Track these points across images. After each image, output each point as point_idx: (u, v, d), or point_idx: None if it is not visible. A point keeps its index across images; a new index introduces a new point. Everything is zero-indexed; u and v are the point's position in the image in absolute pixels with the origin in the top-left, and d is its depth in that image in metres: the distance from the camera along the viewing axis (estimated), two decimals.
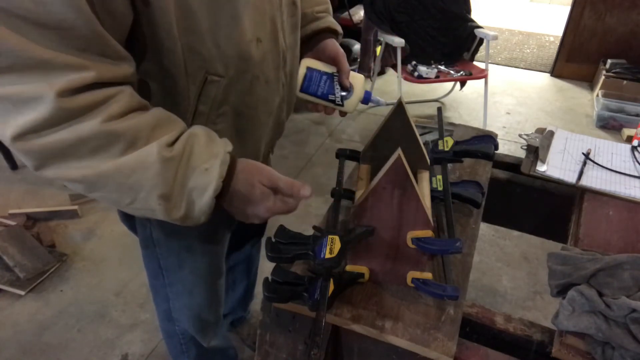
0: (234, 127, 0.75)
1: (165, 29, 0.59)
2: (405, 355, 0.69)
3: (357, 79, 0.91)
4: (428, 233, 0.70)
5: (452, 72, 2.90)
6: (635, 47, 3.57)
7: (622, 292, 0.71)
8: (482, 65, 2.94)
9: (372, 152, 0.87)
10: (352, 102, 0.90)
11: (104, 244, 2.03)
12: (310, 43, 0.91)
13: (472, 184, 0.94)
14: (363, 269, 0.75)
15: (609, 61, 3.48)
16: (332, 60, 0.89)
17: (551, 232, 1.22)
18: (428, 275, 0.74)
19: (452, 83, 3.44)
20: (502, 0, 6.49)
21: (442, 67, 2.93)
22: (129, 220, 0.91)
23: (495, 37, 2.80)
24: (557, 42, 4.01)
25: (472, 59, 3.08)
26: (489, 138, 0.98)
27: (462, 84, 3.28)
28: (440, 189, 0.90)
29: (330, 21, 0.93)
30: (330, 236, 0.69)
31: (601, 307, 0.69)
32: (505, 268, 1.94)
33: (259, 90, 0.74)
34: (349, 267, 0.76)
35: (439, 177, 0.92)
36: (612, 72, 3.36)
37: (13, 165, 2.52)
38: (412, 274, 0.74)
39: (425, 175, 0.84)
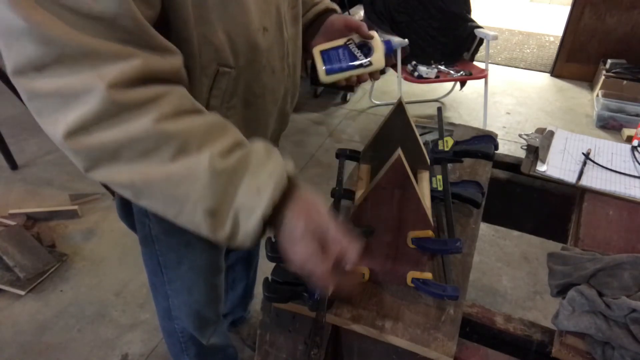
0: (243, 118, 0.76)
1: (183, 18, 0.59)
2: (405, 355, 0.69)
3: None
4: (428, 233, 0.70)
5: (452, 72, 2.90)
6: (635, 47, 3.57)
7: (622, 292, 0.71)
8: (482, 65, 2.94)
9: (372, 152, 0.87)
10: (378, 56, 0.87)
11: (104, 244, 2.02)
12: (313, 27, 0.90)
13: (472, 184, 0.94)
14: (363, 269, 0.75)
15: (609, 61, 3.48)
16: (343, 29, 0.87)
17: (551, 232, 1.22)
18: (428, 275, 0.74)
19: (452, 83, 3.44)
20: (502, 0, 6.49)
21: (442, 67, 2.93)
22: (128, 218, 0.91)
23: (495, 37, 2.80)
24: (557, 42, 4.01)
25: (472, 59, 3.08)
26: (489, 138, 0.98)
27: (462, 84, 3.28)
28: (440, 189, 0.90)
29: (328, 2, 0.94)
30: None
31: (601, 307, 0.69)
32: (505, 268, 1.94)
33: (265, 80, 0.75)
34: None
35: (439, 177, 0.92)
36: (612, 72, 3.36)
37: (13, 165, 2.52)
38: (412, 274, 0.74)
39: (425, 175, 0.84)
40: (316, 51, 0.87)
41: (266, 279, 0.72)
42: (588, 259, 0.78)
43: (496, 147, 0.97)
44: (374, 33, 0.88)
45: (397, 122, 0.82)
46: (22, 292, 1.74)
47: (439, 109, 1.12)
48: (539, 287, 1.83)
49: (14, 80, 0.50)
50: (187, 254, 0.91)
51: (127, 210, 0.90)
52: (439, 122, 1.06)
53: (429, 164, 0.86)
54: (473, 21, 2.99)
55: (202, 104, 0.67)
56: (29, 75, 0.49)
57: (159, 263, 0.94)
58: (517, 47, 4.67)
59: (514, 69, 4.14)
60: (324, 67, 0.86)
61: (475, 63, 3.07)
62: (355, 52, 0.87)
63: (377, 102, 3.37)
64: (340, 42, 0.87)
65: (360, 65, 0.87)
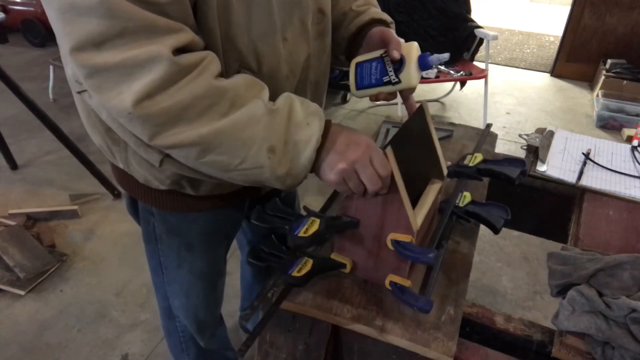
0: None
1: (207, 15, 0.60)
2: (405, 355, 0.69)
3: (407, 47, 0.77)
4: (408, 238, 0.69)
5: (452, 72, 2.90)
6: (635, 47, 3.57)
7: (622, 292, 0.71)
8: (482, 65, 2.94)
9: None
10: (409, 73, 0.76)
11: (104, 244, 2.03)
12: (357, 40, 0.85)
13: (497, 208, 0.87)
14: (346, 259, 0.76)
15: (609, 61, 3.48)
16: (380, 43, 0.80)
17: (551, 232, 1.22)
18: (407, 282, 0.72)
19: (452, 83, 3.45)
20: (502, 0, 6.49)
21: (442, 67, 2.93)
22: (136, 213, 0.91)
23: (495, 37, 2.80)
24: (557, 42, 4.01)
25: (472, 59, 3.09)
26: (520, 162, 0.91)
27: (462, 84, 3.28)
28: (462, 205, 0.86)
29: (374, 12, 0.86)
30: (312, 218, 0.70)
31: (601, 307, 0.69)
32: (505, 268, 1.94)
33: (287, 89, 0.74)
34: (334, 255, 0.77)
35: (467, 194, 0.89)
36: (612, 72, 3.36)
37: (13, 165, 2.52)
38: (392, 277, 0.73)
39: (435, 187, 0.81)
40: (353, 63, 0.81)
41: (254, 246, 0.73)
42: (588, 259, 0.78)
43: (524, 173, 0.89)
44: (410, 46, 0.77)
45: (416, 126, 0.79)
46: (22, 292, 1.74)
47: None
48: (539, 287, 1.83)
49: (72, 59, 0.53)
50: (188, 257, 0.91)
51: (135, 205, 0.90)
52: (480, 138, 0.95)
53: (444, 175, 0.83)
54: (473, 21, 2.99)
55: None
56: (89, 51, 0.52)
57: (160, 263, 0.94)
58: (517, 47, 4.67)
59: (514, 69, 4.15)
60: (355, 82, 0.80)
61: (475, 63, 3.07)
62: (388, 67, 0.77)
63: (377, 102, 3.37)
64: (377, 54, 0.78)
65: (388, 82, 0.77)
